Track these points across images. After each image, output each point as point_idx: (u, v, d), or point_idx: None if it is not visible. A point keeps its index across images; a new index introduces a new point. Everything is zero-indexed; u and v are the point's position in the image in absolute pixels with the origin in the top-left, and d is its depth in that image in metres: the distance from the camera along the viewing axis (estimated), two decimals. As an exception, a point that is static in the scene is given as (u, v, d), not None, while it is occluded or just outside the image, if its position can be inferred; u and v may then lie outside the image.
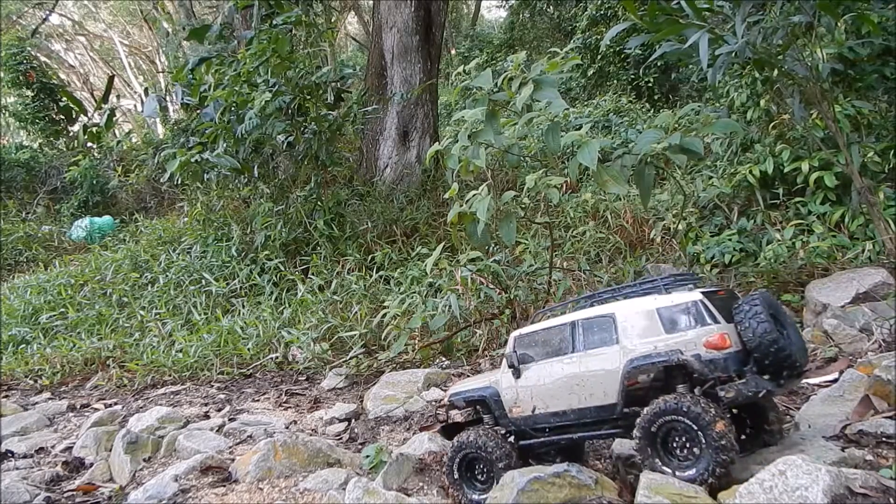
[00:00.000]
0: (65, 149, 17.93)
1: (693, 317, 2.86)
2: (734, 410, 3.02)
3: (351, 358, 6.43)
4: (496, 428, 3.41)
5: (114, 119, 15.59)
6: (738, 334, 2.88)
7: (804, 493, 2.45)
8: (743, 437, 3.12)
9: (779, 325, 2.91)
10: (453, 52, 22.95)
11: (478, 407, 3.57)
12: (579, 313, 3.23)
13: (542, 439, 3.26)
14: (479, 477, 3.37)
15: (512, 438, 3.40)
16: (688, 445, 2.77)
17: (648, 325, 2.94)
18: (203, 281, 8.67)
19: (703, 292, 2.96)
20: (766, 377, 2.85)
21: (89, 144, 15.21)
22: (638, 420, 2.85)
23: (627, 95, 14.21)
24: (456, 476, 3.41)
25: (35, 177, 16.77)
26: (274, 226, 8.88)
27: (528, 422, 3.28)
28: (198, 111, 9.74)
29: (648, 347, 2.91)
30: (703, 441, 2.69)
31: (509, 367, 3.33)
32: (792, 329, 3.03)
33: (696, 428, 2.70)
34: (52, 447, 5.18)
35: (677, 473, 2.74)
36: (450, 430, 3.68)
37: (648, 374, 2.91)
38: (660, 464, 2.79)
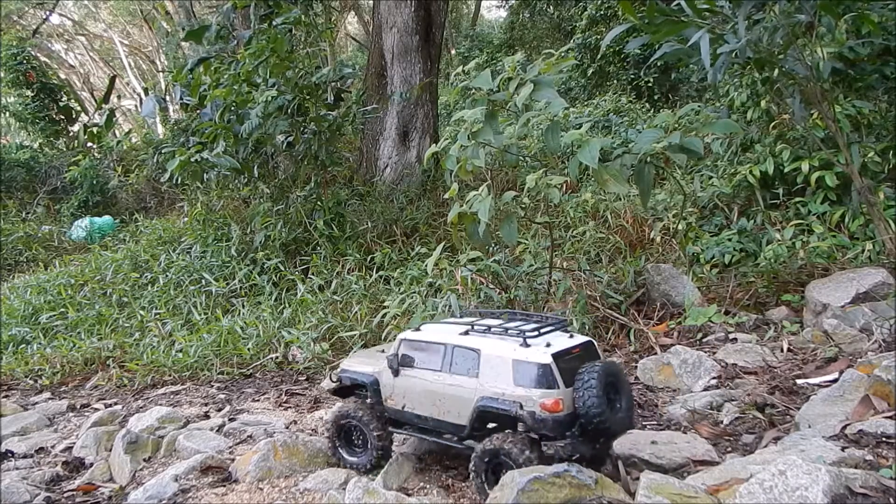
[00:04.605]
0: (65, 149, 17.93)
1: (539, 378, 3.23)
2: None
3: (351, 358, 6.42)
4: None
5: (114, 119, 15.63)
6: (573, 399, 3.23)
7: (804, 493, 2.46)
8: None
9: (615, 391, 3.29)
10: (453, 52, 22.98)
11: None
12: (456, 338, 3.56)
13: (408, 432, 3.78)
14: (357, 443, 3.89)
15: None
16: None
17: (503, 371, 3.33)
18: (203, 281, 8.66)
19: (555, 354, 3.26)
20: (583, 438, 3.26)
21: (89, 144, 15.24)
22: (473, 454, 3.33)
23: (627, 95, 14.22)
24: (336, 440, 3.93)
25: (35, 177, 16.74)
26: (274, 226, 8.88)
27: (397, 414, 3.75)
28: (197, 111, 9.73)
29: (498, 392, 3.31)
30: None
31: (389, 368, 3.70)
32: (626, 398, 3.39)
33: (513, 464, 3.19)
34: (52, 447, 5.17)
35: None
36: (341, 392, 4.14)
37: (494, 413, 3.35)
38: (486, 487, 3.27)
